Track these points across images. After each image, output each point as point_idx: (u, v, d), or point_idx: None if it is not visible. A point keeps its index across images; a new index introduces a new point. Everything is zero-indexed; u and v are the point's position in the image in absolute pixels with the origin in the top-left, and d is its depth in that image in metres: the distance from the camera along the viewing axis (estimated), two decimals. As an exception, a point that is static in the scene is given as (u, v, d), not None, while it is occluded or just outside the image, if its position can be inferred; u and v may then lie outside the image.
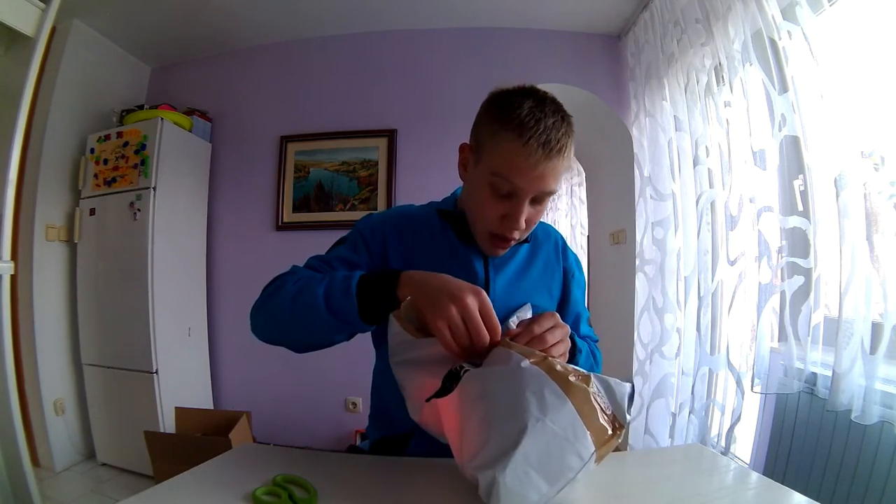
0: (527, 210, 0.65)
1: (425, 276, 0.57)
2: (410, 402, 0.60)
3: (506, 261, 0.76)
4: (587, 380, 0.51)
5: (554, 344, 0.59)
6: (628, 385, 0.52)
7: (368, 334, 0.75)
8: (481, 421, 0.51)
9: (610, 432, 0.49)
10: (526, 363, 0.52)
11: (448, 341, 0.53)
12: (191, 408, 1.92)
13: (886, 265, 0.96)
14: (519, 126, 0.60)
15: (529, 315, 0.70)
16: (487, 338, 0.53)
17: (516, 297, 0.74)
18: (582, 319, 0.83)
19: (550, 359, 0.53)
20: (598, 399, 0.50)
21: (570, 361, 0.67)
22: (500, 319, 0.68)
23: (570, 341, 0.64)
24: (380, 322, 0.60)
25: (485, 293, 0.54)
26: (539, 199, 0.65)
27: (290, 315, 0.63)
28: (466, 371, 0.55)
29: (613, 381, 0.52)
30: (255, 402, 2.26)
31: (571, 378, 0.50)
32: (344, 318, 0.58)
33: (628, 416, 0.50)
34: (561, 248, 0.83)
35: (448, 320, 0.52)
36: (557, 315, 0.63)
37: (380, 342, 0.78)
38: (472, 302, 0.53)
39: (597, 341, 0.86)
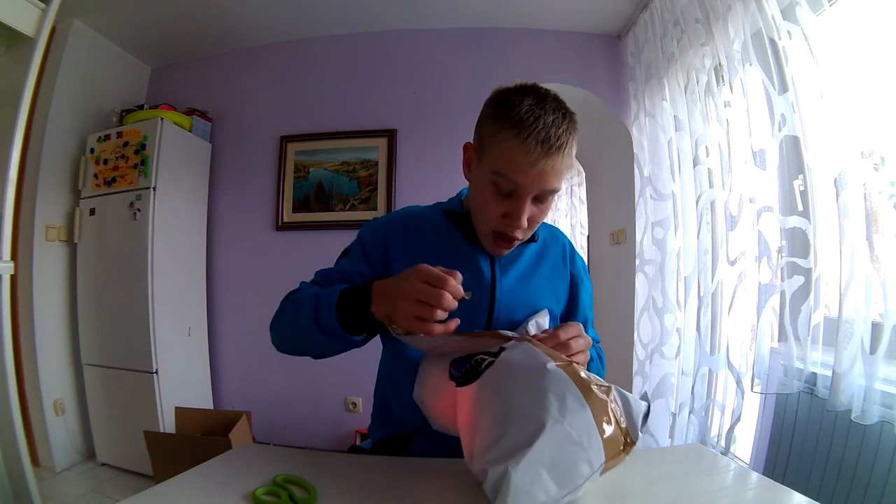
0: (529, 209, 0.65)
1: (384, 287, 0.58)
2: (426, 385, 0.63)
3: (513, 261, 0.76)
4: (608, 391, 0.52)
5: (577, 352, 0.60)
6: (644, 404, 0.52)
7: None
8: (499, 414, 0.51)
9: (621, 447, 0.49)
10: (552, 365, 0.52)
11: (429, 329, 0.53)
12: (191, 408, 1.92)
13: (886, 265, 0.96)
14: (518, 124, 0.60)
15: (547, 321, 0.70)
16: (452, 300, 0.53)
17: (523, 298, 0.74)
18: (588, 323, 0.84)
19: (575, 365, 0.54)
20: (616, 412, 0.51)
21: None
22: (516, 321, 0.69)
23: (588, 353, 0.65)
24: (370, 332, 0.62)
25: (424, 266, 0.55)
26: (541, 197, 0.65)
27: (294, 335, 0.66)
28: (489, 364, 0.55)
29: (632, 397, 0.53)
30: (255, 402, 2.26)
31: (594, 387, 0.51)
32: (334, 335, 0.60)
33: (640, 434, 0.51)
34: (568, 253, 0.83)
35: (412, 313, 0.53)
36: (581, 326, 0.64)
37: (387, 338, 0.78)
38: (418, 285, 0.53)
39: (599, 342, 0.86)
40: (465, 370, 0.57)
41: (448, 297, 0.52)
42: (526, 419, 0.49)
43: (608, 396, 0.51)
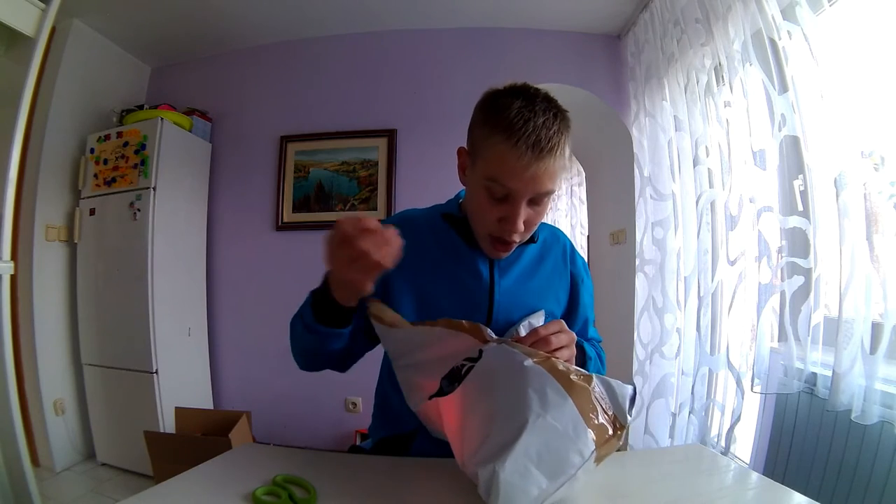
0: (524, 212, 0.64)
1: (332, 274, 0.59)
2: (411, 395, 0.62)
3: (512, 263, 0.75)
4: (588, 380, 0.52)
5: (559, 348, 0.59)
6: (630, 387, 0.52)
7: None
8: (483, 417, 0.51)
9: (610, 432, 0.49)
10: (529, 362, 0.52)
11: (382, 263, 0.52)
12: (191, 408, 1.92)
13: (886, 265, 0.96)
14: (508, 128, 0.59)
15: (541, 321, 0.70)
16: (365, 233, 0.51)
17: (522, 300, 0.73)
18: (589, 323, 0.84)
19: (553, 359, 0.54)
20: (600, 399, 0.51)
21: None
22: (511, 322, 0.69)
23: (575, 349, 0.65)
24: (346, 323, 0.63)
25: (327, 234, 0.54)
26: (536, 199, 0.64)
27: (301, 349, 0.69)
28: (469, 369, 0.55)
29: (615, 382, 0.52)
30: (255, 402, 2.26)
31: (573, 377, 0.51)
32: (322, 334, 0.62)
33: (629, 418, 0.51)
34: (569, 253, 0.82)
35: (357, 273, 0.53)
36: (564, 323, 0.64)
37: None
38: (337, 250, 0.53)
39: (600, 341, 0.86)
40: (449, 376, 0.57)
41: (358, 235, 0.51)
42: (509, 418, 0.49)
43: (590, 385, 0.51)
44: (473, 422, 0.52)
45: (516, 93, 0.63)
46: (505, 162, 0.60)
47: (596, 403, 0.50)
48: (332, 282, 0.59)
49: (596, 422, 0.49)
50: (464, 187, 0.75)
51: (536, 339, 0.59)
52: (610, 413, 0.50)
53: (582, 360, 0.71)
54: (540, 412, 0.48)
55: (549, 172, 0.61)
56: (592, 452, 0.47)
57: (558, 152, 0.61)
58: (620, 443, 0.50)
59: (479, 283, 0.72)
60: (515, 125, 0.59)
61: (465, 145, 0.71)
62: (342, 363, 0.72)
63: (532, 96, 0.62)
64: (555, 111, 0.62)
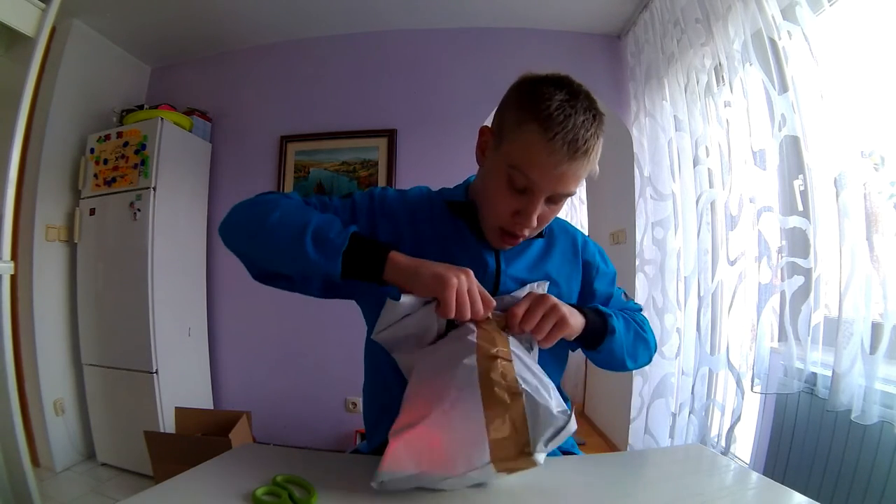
0: (541, 208, 0.62)
1: (416, 265, 0.59)
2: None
3: (519, 253, 0.73)
4: (516, 396, 0.51)
5: (535, 323, 0.60)
6: (562, 418, 0.49)
7: (365, 334, 0.74)
8: (409, 395, 0.57)
9: (515, 454, 0.48)
10: (470, 360, 0.54)
11: (451, 308, 0.56)
12: (191, 408, 1.92)
13: (886, 265, 0.96)
14: (546, 119, 0.56)
15: (545, 290, 0.69)
16: (482, 310, 0.58)
17: None
18: (613, 299, 0.81)
19: (500, 361, 0.53)
20: (515, 418, 0.49)
21: (602, 329, 0.69)
22: (511, 292, 0.70)
23: (580, 315, 0.66)
24: (351, 277, 0.59)
25: (479, 287, 0.59)
26: (555, 198, 0.62)
27: (270, 229, 0.62)
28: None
29: (549, 411, 0.50)
30: (255, 402, 2.26)
31: (496, 389, 0.51)
32: (322, 253, 0.57)
33: (543, 447, 0.48)
34: (580, 243, 0.80)
35: (455, 288, 0.56)
36: (548, 296, 0.63)
37: (372, 350, 0.75)
38: (473, 278, 0.59)
39: (640, 309, 0.84)
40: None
41: (475, 310, 0.58)
42: (421, 405, 0.53)
43: (512, 401, 0.50)
44: (407, 395, 0.57)
45: (559, 84, 0.60)
46: (536, 154, 0.58)
47: (508, 419, 0.49)
48: (403, 270, 0.58)
49: (498, 436, 0.48)
50: (479, 169, 0.71)
51: (512, 317, 0.61)
52: (525, 434, 0.49)
53: (602, 325, 0.68)
54: (447, 409, 0.51)
55: (576, 174, 0.60)
56: (485, 464, 0.47)
57: (592, 156, 0.60)
58: (526, 467, 0.48)
59: (484, 273, 0.69)
60: (555, 119, 0.56)
61: (487, 125, 0.68)
62: (271, 277, 0.69)
63: (575, 92, 0.60)
64: (594, 112, 0.60)
